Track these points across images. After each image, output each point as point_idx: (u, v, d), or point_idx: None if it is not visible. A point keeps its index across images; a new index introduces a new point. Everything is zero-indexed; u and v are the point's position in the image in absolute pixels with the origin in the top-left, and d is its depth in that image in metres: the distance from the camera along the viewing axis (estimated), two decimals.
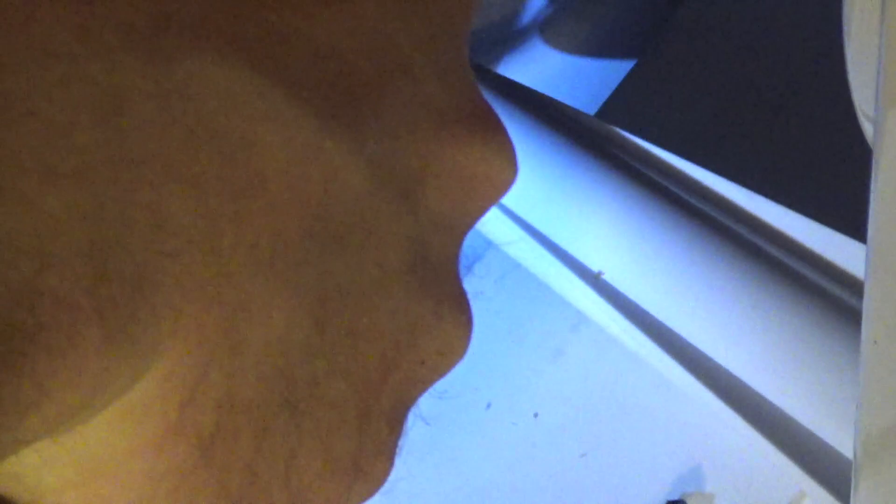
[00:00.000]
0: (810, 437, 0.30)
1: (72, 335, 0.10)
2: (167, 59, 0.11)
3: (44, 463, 0.12)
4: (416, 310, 0.15)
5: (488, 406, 0.46)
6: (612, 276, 0.35)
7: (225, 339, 0.12)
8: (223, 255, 0.12)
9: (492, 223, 0.39)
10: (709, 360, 0.32)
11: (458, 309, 0.16)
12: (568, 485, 0.43)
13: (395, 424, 0.15)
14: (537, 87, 0.40)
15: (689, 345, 0.33)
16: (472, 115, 0.16)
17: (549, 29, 0.52)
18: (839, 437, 0.29)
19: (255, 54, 0.12)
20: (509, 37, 0.51)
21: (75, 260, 0.10)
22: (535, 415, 0.45)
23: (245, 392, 0.13)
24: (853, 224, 0.29)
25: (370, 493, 0.15)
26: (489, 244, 0.46)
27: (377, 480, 0.15)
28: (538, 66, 0.52)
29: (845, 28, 0.19)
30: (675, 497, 0.39)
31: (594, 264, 0.36)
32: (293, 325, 0.13)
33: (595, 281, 0.35)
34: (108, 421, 0.11)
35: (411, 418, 0.16)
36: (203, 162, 0.12)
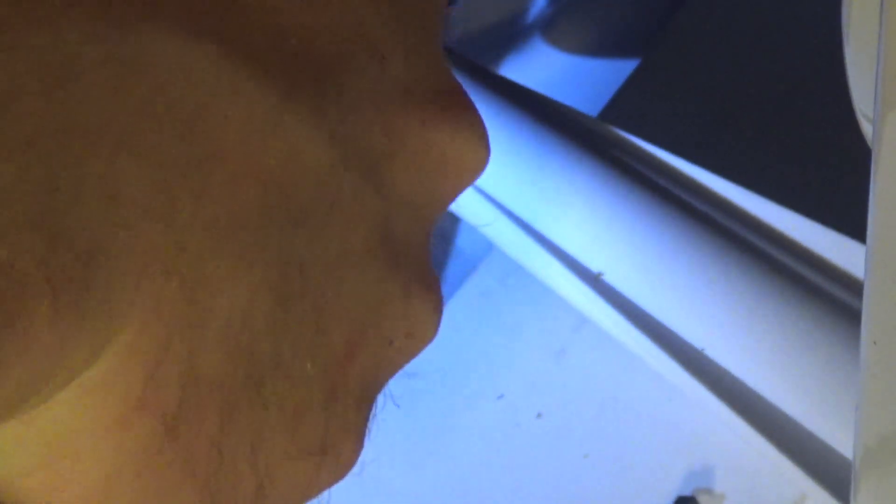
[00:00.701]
0: (810, 437, 0.30)
1: (22, 306, 0.10)
2: (119, 27, 0.11)
3: (10, 444, 0.11)
4: (383, 289, 0.15)
5: (500, 397, 0.46)
6: (612, 278, 0.35)
7: (186, 313, 0.12)
8: (180, 228, 0.12)
9: (493, 225, 0.39)
10: (709, 360, 0.32)
11: (427, 290, 0.16)
12: (571, 486, 0.43)
13: (363, 405, 0.15)
14: (539, 89, 0.40)
15: (688, 345, 0.33)
16: (440, 94, 0.15)
17: (551, 29, 0.52)
18: (839, 438, 0.29)
19: (213, 26, 0.12)
20: (510, 37, 0.51)
21: (25, 230, 0.10)
22: (539, 415, 0.45)
23: (209, 368, 0.12)
24: (853, 224, 0.29)
25: (340, 475, 0.15)
26: (491, 245, 0.46)
27: (346, 462, 0.15)
28: (539, 67, 0.52)
29: (845, 29, 0.19)
30: (687, 493, 0.39)
31: (594, 266, 0.36)
32: (256, 301, 0.13)
33: (595, 282, 0.35)
34: (71, 398, 0.11)
35: (382, 399, 0.16)
36: (158, 133, 0.11)
